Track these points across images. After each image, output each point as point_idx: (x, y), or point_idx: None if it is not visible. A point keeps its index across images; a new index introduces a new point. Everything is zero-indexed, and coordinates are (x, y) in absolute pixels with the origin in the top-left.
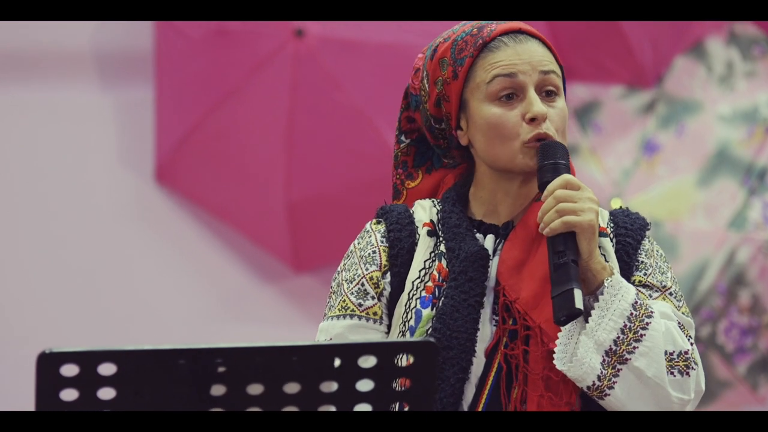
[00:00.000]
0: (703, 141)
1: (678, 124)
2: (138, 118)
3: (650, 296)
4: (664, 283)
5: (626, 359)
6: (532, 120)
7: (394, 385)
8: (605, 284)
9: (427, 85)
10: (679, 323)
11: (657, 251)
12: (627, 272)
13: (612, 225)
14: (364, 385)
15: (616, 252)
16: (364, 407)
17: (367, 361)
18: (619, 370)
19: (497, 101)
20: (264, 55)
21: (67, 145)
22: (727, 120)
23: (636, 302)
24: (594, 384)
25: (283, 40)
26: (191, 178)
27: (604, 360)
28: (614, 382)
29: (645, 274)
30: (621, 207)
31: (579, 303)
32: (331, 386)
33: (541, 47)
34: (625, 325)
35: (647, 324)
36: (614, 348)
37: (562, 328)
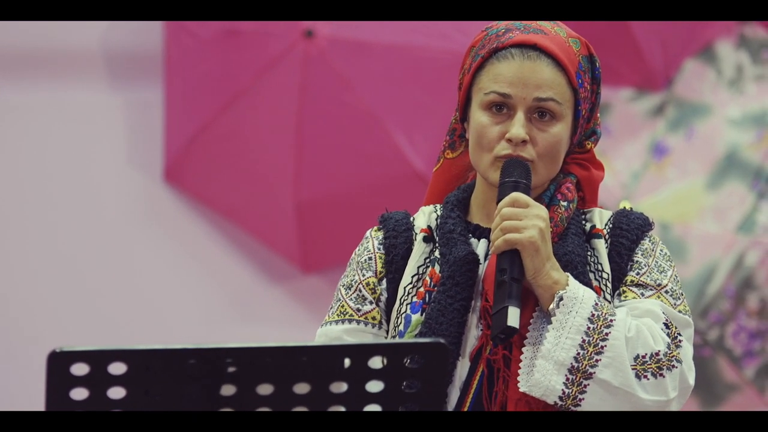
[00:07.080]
0: (713, 144)
1: (687, 128)
2: (147, 118)
3: (642, 295)
4: (659, 282)
5: (590, 374)
6: (510, 140)
7: (404, 386)
8: (555, 300)
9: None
10: (666, 321)
11: (660, 251)
12: (619, 273)
13: (610, 226)
14: (374, 386)
15: (609, 253)
16: (373, 408)
17: (377, 362)
18: (585, 386)
19: (488, 111)
20: (273, 55)
21: (76, 144)
22: (736, 123)
23: (593, 314)
24: (556, 403)
25: (292, 40)
26: (200, 178)
27: (567, 378)
28: (581, 400)
29: (638, 274)
30: (625, 207)
31: (512, 321)
32: (341, 387)
33: (550, 69)
34: (584, 340)
35: (607, 335)
36: (576, 365)
37: (523, 350)
